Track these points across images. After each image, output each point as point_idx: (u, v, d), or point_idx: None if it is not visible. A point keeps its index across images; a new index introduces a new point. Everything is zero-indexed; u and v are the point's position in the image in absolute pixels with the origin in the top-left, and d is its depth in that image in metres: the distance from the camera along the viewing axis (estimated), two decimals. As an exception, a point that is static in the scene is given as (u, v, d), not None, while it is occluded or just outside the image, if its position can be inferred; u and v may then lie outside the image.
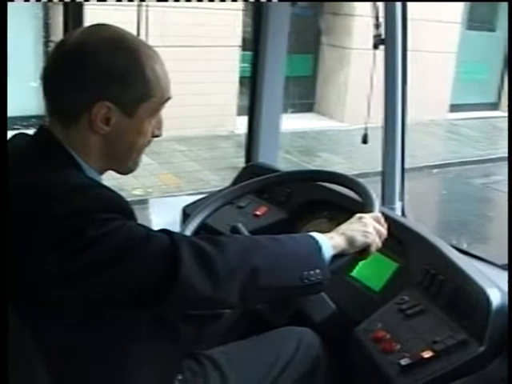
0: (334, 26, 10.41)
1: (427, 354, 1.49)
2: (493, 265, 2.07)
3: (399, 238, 1.84)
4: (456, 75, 11.73)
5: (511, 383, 1.42)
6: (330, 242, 1.42)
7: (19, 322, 1.23)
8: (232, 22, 8.64)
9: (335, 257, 1.43)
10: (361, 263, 1.83)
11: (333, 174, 1.87)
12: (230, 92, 8.97)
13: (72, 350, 1.29)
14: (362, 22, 9.83)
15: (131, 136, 1.35)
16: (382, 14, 2.33)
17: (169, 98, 1.38)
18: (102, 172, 1.39)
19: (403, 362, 1.50)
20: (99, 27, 1.35)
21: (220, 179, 6.79)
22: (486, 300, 1.53)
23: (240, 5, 8.58)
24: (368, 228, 1.48)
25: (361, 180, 1.78)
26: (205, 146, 8.38)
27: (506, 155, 9.35)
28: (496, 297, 1.54)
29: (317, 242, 1.40)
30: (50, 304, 1.23)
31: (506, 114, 12.05)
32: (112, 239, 1.20)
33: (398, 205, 2.50)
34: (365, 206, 1.64)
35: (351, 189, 1.79)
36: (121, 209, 1.26)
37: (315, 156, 8.67)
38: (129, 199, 1.36)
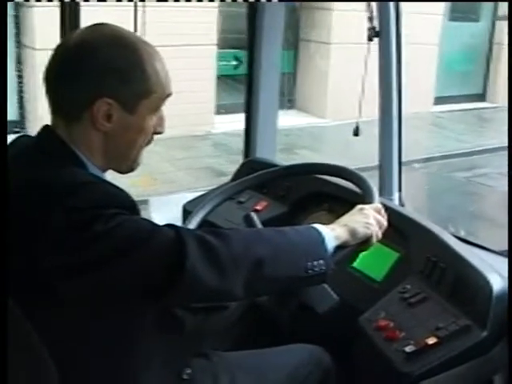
0: (313, 20, 10.28)
1: (431, 341, 1.51)
2: (492, 252, 2.09)
3: (399, 227, 1.86)
4: (440, 67, 11.64)
5: None
6: (332, 234, 1.44)
7: (25, 318, 1.24)
8: (207, 19, 8.55)
9: (337, 248, 1.44)
10: (362, 254, 1.84)
11: (332, 167, 1.88)
12: (206, 90, 8.83)
13: (79, 345, 1.30)
14: (341, 17, 9.78)
15: (133, 133, 1.36)
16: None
17: (170, 95, 1.40)
18: (104, 170, 1.41)
19: (408, 349, 1.52)
20: (99, 26, 1.36)
21: (194, 180, 6.79)
22: (488, 286, 1.55)
23: (216, 2, 8.52)
24: (369, 219, 1.50)
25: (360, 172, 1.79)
26: (180, 146, 8.22)
27: (491, 147, 9.35)
28: (497, 282, 1.56)
29: (320, 234, 1.42)
30: (58, 299, 1.24)
31: (493, 105, 12.00)
32: (118, 233, 1.21)
33: (395, 195, 2.51)
34: (365, 198, 1.65)
35: (350, 181, 1.81)
36: (126, 204, 1.28)
37: (293, 153, 8.38)
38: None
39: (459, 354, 1.50)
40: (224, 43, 9.60)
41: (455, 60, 12.19)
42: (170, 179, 6.64)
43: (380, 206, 1.58)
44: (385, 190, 2.47)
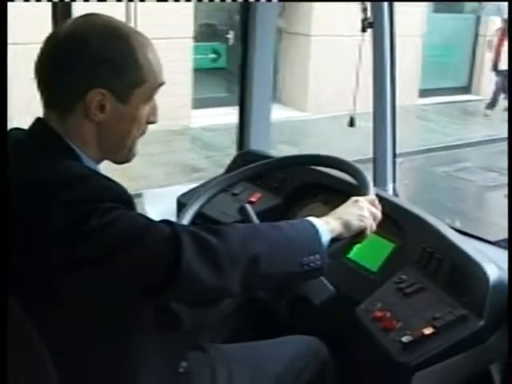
0: (293, 12, 10.17)
1: (428, 331, 1.51)
2: (487, 242, 2.09)
3: (394, 218, 1.86)
4: (425, 59, 11.55)
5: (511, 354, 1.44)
6: (326, 227, 1.43)
7: (25, 317, 1.24)
8: (183, 12, 8.49)
9: (332, 241, 1.44)
10: (357, 245, 1.84)
11: (326, 158, 1.88)
12: (183, 84, 8.66)
13: (78, 343, 1.29)
14: (322, 10, 9.71)
15: (126, 123, 1.36)
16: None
17: (162, 83, 1.39)
18: (99, 161, 1.40)
19: (405, 339, 1.51)
20: (90, 17, 1.36)
21: (165, 177, 6.71)
22: (485, 276, 1.55)
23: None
24: (363, 212, 1.50)
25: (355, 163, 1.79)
26: (156, 141, 7.79)
27: (474, 141, 9.38)
28: (494, 272, 1.56)
29: (314, 227, 1.42)
30: (58, 297, 1.23)
31: (478, 98, 11.96)
32: (114, 229, 1.20)
33: (390, 186, 2.52)
34: (360, 189, 1.65)
35: (346, 172, 1.80)
36: (121, 198, 1.27)
37: (271, 148, 8.11)
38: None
39: (456, 343, 1.50)
40: (201, 36, 9.51)
41: (440, 52, 12.10)
42: (140, 175, 6.40)
43: (374, 197, 1.58)
44: (379, 180, 2.48)
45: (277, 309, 1.77)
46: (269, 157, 2.18)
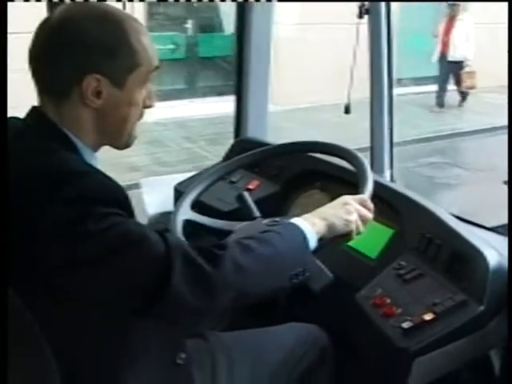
0: None
1: (428, 317, 1.51)
2: (486, 228, 2.09)
3: (393, 204, 1.86)
4: (401, 47, 11.09)
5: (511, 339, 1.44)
6: (313, 230, 1.43)
7: (26, 309, 1.23)
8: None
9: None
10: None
11: (325, 145, 1.87)
12: None
13: (76, 334, 1.28)
14: None
15: (123, 108, 1.34)
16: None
17: (157, 67, 1.38)
18: (96, 149, 1.39)
19: (405, 325, 1.51)
20: (83, 3, 1.35)
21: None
22: (485, 261, 1.55)
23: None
24: (350, 216, 1.48)
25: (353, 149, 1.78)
26: None
27: (446, 133, 9.29)
28: (494, 257, 1.56)
29: (302, 233, 1.41)
30: (56, 292, 1.22)
31: (455, 88, 11.54)
32: (108, 235, 1.19)
33: (387, 173, 2.52)
34: (358, 176, 1.64)
35: (343, 158, 1.80)
36: (119, 200, 1.25)
37: (221, 144, 7.18)
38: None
39: (456, 329, 1.50)
40: (157, 26, 9.37)
41: (418, 39, 11.67)
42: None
43: (365, 197, 1.56)
44: (376, 167, 2.48)
45: (276, 296, 1.77)
46: (266, 144, 2.17)
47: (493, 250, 1.59)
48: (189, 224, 1.79)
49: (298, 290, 1.68)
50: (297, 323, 1.80)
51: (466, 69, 10.91)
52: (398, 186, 2.04)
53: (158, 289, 1.21)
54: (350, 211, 1.49)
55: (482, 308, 1.51)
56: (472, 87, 11.08)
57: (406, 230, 1.81)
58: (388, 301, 1.62)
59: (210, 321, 1.79)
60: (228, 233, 1.71)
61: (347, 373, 1.85)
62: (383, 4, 2.36)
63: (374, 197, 1.59)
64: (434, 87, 11.39)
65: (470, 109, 10.98)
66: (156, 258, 1.22)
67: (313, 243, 1.42)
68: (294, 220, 1.45)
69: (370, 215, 1.53)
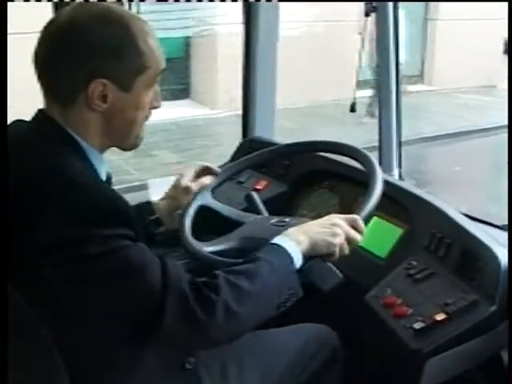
0: None
1: (440, 317, 1.49)
2: (495, 226, 2.07)
3: (402, 203, 1.85)
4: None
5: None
6: (298, 249, 1.41)
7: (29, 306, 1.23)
8: None
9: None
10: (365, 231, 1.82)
11: (333, 144, 1.86)
12: None
13: (84, 343, 1.28)
14: None
15: (130, 111, 1.33)
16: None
17: (164, 69, 1.37)
18: (103, 150, 1.38)
19: (417, 325, 1.50)
20: (88, 4, 1.33)
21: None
22: (496, 260, 1.53)
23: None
24: (336, 239, 1.44)
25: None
26: None
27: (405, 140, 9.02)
28: (505, 256, 1.54)
29: (289, 256, 1.39)
30: (56, 298, 1.22)
31: (430, 88, 11.38)
32: (107, 260, 1.18)
33: (395, 171, 2.51)
34: (368, 175, 1.63)
35: (352, 157, 1.78)
36: (122, 217, 1.23)
37: (148, 156, 7.02)
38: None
39: (468, 329, 1.48)
40: None
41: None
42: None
43: (357, 218, 1.50)
44: (384, 166, 2.46)
45: (296, 319, 1.76)
46: (273, 144, 2.16)
47: (503, 249, 1.57)
48: (202, 210, 1.78)
49: (307, 290, 1.68)
50: (307, 324, 1.79)
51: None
52: (407, 185, 2.02)
53: (150, 324, 1.21)
54: (337, 234, 1.44)
55: (493, 308, 1.49)
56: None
57: (416, 229, 1.79)
58: (399, 301, 1.60)
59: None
60: (239, 224, 1.71)
61: (358, 373, 1.84)
62: (390, 2, 2.35)
63: (384, 195, 1.58)
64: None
65: (424, 114, 10.13)
66: (151, 293, 1.21)
67: (298, 263, 1.40)
68: (281, 240, 1.42)
69: (358, 237, 1.48)
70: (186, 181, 1.80)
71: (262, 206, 1.83)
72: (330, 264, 1.58)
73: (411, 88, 10.61)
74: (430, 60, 11.87)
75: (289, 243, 1.41)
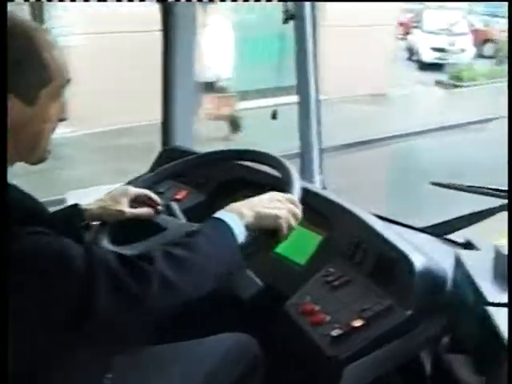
0: None
1: (357, 323, 1.51)
2: (413, 229, 2.11)
3: (321, 210, 1.86)
4: (243, 56, 9.39)
5: None
6: (241, 222, 1.40)
7: None
8: None
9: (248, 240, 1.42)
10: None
11: (251, 152, 1.86)
12: None
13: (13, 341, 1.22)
14: None
15: (37, 124, 1.30)
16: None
17: (69, 80, 1.34)
18: (11, 164, 1.34)
19: (334, 332, 1.51)
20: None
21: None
22: (409, 264, 1.56)
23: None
24: (280, 211, 1.45)
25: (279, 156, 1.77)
26: None
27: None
28: (418, 260, 1.57)
29: (229, 228, 1.38)
30: None
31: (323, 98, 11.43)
32: (28, 253, 1.15)
33: (317, 178, 2.52)
34: (285, 182, 1.63)
35: (270, 166, 1.78)
36: (38, 216, 1.22)
37: None
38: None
39: (385, 334, 1.50)
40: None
41: (263, 46, 10.24)
42: None
43: (293, 197, 1.52)
44: (306, 173, 2.47)
45: (205, 307, 1.75)
46: (193, 153, 2.14)
47: (418, 253, 1.60)
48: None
49: (227, 299, 1.67)
50: (227, 333, 1.78)
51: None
52: (327, 192, 2.04)
53: (84, 306, 1.17)
54: (280, 207, 1.45)
55: (409, 312, 1.51)
56: (225, 117, 8.89)
57: (334, 236, 1.81)
58: (317, 308, 1.61)
59: (144, 334, 1.76)
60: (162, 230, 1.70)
61: (280, 381, 1.84)
62: (309, 8, 2.35)
63: (303, 203, 1.58)
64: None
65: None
66: (76, 276, 1.18)
67: (241, 235, 1.39)
68: (222, 214, 1.41)
69: (299, 212, 1.49)
70: (124, 205, 1.76)
71: (181, 217, 1.81)
72: (249, 272, 1.57)
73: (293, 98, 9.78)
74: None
75: (230, 216, 1.40)
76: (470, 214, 2.14)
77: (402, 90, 13.81)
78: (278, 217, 1.43)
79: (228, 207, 1.44)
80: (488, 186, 2.10)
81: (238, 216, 1.40)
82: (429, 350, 1.70)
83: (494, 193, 2.05)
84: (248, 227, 1.41)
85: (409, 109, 12.67)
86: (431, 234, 2.09)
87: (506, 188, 2.00)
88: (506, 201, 2.00)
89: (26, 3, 7.97)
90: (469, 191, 2.20)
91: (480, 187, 2.13)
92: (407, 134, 10.27)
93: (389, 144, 9.86)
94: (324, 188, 2.51)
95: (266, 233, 1.44)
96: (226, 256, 1.36)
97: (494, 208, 2.06)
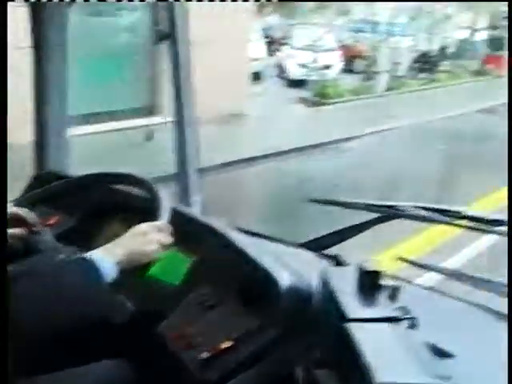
0: None
1: (225, 345, 1.52)
2: (288, 244, 2.14)
3: (192, 232, 1.86)
4: (85, 77, 8.35)
5: None
6: (111, 260, 1.44)
7: None
8: None
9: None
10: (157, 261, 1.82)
11: (120, 176, 1.85)
12: None
13: None
14: None
15: None
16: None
17: None
18: None
19: (203, 355, 1.52)
20: None
21: None
22: (274, 284, 1.57)
23: None
24: (149, 246, 1.51)
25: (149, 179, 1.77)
26: None
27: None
28: (283, 279, 1.58)
29: (93, 266, 1.41)
30: None
31: (162, 120, 10.88)
32: None
33: (194, 199, 2.51)
34: (154, 206, 1.63)
35: (141, 189, 1.78)
36: None
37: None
38: None
39: (253, 354, 1.52)
40: None
41: (107, 66, 9.82)
42: None
43: (160, 223, 1.58)
44: (182, 194, 2.46)
45: (77, 335, 1.71)
46: (65, 177, 2.10)
47: (284, 272, 1.60)
48: None
49: (100, 325, 1.64)
50: (102, 362, 1.75)
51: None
52: (199, 215, 2.05)
53: None
54: (150, 241, 1.50)
55: (277, 331, 1.53)
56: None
57: (204, 258, 1.82)
58: (189, 331, 1.62)
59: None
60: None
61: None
62: (183, 27, 2.34)
63: (174, 225, 1.59)
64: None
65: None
66: None
67: (111, 273, 1.42)
68: (90, 253, 1.44)
69: (168, 240, 1.55)
70: None
71: (53, 242, 1.78)
72: (120, 297, 1.56)
73: (140, 121, 9.25)
74: (162, 88, 10.11)
75: (100, 257, 1.43)
76: (347, 228, 2.18)
77: (264, 109, 13.42)
78: (147, 254, 1.50)
79: (102, 247, 1.48)
80: (364, 201, 2.15)
81: (109, 255, 1.45)
82: (302, 367, 1.72)
83: (370, 208, 2.10)
84: (120, 264, 1.45)
85: (266, 129, 11.93)
86: (309, 248, 2.12)
87: (380, 203, 2.07)
88: (378, 214, 2.06)
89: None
90: (346, 206, 2.26)
91: (357, 202, 2.19)
92: (264, 156, 9.69)
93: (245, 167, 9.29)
94: (202, 209, 2.51)
95: (136, 267, 1.50)
96: (82, 293, 1.39)
97: (370, 221, 2.11)
